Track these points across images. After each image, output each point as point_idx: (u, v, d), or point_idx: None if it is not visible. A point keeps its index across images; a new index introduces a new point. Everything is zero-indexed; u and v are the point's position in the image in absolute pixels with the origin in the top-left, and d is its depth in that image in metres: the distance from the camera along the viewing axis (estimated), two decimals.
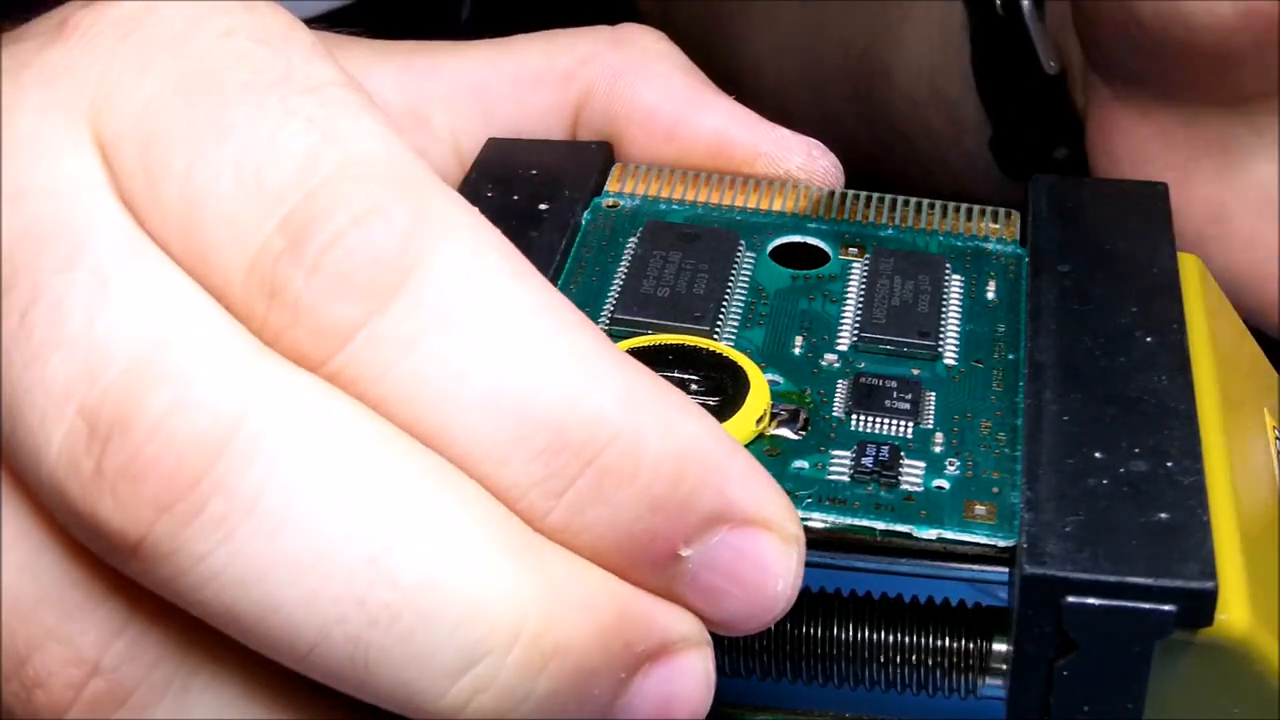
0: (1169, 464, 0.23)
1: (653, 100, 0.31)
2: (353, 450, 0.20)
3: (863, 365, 0.27)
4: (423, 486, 0.20)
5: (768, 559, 0.21)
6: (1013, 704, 0.23)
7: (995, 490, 0.24)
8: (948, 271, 0.28)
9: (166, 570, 0.19)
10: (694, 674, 0.21)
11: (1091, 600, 0.22)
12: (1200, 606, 0.21)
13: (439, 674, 0.19)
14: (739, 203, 0.30)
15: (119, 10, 0.22)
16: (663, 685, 0.21)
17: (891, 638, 0.26)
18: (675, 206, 0.30)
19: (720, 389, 0.25)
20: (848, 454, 0.25)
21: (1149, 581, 0.21)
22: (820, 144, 0.31)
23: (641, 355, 0.26)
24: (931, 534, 0.24)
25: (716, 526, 0.21)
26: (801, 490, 0.24)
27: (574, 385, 0.20)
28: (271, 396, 0.19)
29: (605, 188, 0.31)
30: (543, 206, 0.29)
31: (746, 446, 0.24)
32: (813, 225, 0.30)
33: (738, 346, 0.27)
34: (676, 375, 0.25)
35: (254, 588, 0.19)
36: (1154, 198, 0.28)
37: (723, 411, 0.25)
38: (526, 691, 0.20)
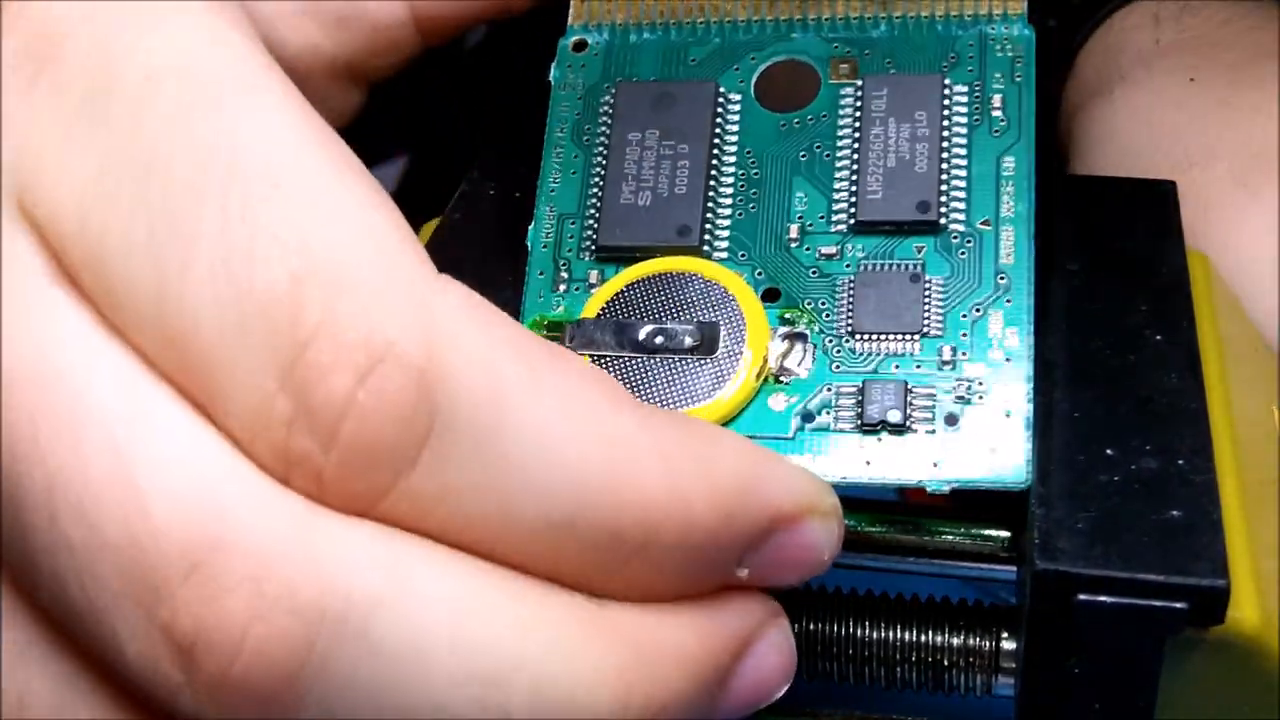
0: (1180, 462, 0.23)
1: None
2: (433, 599, 0.19)
3: (860, 250, 0.26)
4: (503, 611, 0.20)
5: (814, 541, 0.22)
6: (1023, 702, 0.23)
7: (1008, 414, 0.24)
8: (946, 92, 0.27)
9: None
10: (777, 648, 0.22)
11: (1103, 597, 0.22)
12: (1212, 604, 0.21)
13: None
14: (714, 14, 0.29)
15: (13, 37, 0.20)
16: (754, 673, 0.22)
17: (902, 636, 0.26)
18: (647, 36, 0.29)
19: (715, 340, 0.25)
20: (854, 389, 0.24)
21: (1161, 579, 0.21)
22: None
23: (631, 295, 0.26)
24: (945, 489, 0.24)
25: (767, 537, 0.21)
26: (812, 452, 0.24)
27: (617, 482, 0.20)
28: (341, 566, 0.19)
29: (569, 21, 0.29)
30: None
31: (750, 401, 0.25)
32: (797, 36, 0.28)
33: (731, 250, 0.26)
34: (670, 327, 0.25)
35: None
36: (1163, 196, 0.28)
37: (722, 371, 0.25)
38: None
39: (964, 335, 0.25)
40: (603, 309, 0.26)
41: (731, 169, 0.27)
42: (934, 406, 0.24)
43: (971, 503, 0.26)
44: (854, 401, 0.24)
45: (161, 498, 0.19)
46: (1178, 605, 0.21)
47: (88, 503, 0.19)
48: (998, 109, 0.27)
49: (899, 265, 0.25)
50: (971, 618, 0.25)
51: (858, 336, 0.25)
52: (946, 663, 0.25)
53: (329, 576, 0.19)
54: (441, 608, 0.19)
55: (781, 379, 0.25)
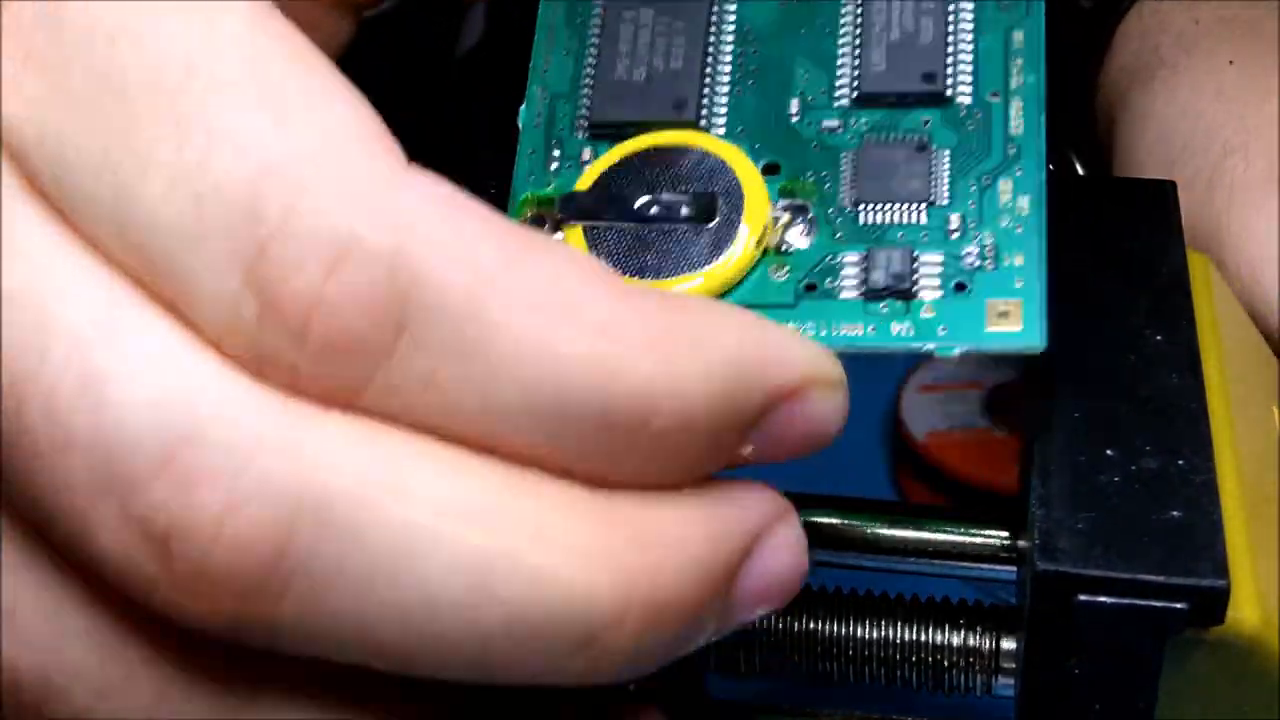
0: (1180, 462, 0.23)
1: None
2: (419, 488, 0.19)
3: (864, 123, 0.25)
4: (491, 501, 0.19)
5: (819, 413, 0.21)
6: (1023, 702, 0.23)
7: (1019, 283, 0.23)
8: None
9: (258, 640, 0.19)
10: (789, 546, 0.21)
11: (1104, 598, 0.22)
12: (1213, 604, 0.21)
13: (564, 665, 0.19)
14: None
15: None
16: (763, 572, 0.21)
17: (902, 636, 0.26)
18: None
19: (712, 208, 0.24)
20: (858, 258, 0.24)
21: (1161, 579, 0.21)
22: None
23: (626, 170, 0.25)
24: (955, 351, 0.23)
25: (770, 413, 0.20)
26: (815, 319, 0.23)
27: (603, 363, 0.19)
28: (320, 457, 0.19)
29: None
30: None
31: (750, 270, 0.24)
32: None
33: (729, 126, 0.26)
34: (665, 199, 0.24)
35: (356, 641, 0.19)
36: (1164, 196, 0.28)
37: (720, 238, 0.24)
38: (648, 642, 0.20)
39: (972, 204, 0.24)
40: (596, 183, 0.25)
41: (730, 44, 0.26)
42: (941, 273, 0.23)
43: (971, 501, 0.26)
44: (858, 269, 0.24)
45: (131, 394, 0.18)
46: (1178, 606, 0.21)
47: (55, 404, 0.18)
48: None
49: (905, 136, 0.25)
50: (971, 618, 0.25)
51: (862, 206, 0.24)
52: (947, 663, 0.25)
53: (308, 467, 0.18)
54: (428, 497, 0.19)
55: (783, 249, 0.24)
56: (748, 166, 0.25)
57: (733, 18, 0.27)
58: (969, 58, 0.25)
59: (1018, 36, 0.25)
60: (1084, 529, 0.22)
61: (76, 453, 0.18)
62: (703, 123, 0.26)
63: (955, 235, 0.24)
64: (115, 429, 0.18)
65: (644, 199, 0.24)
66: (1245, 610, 0.22)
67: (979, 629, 0.25)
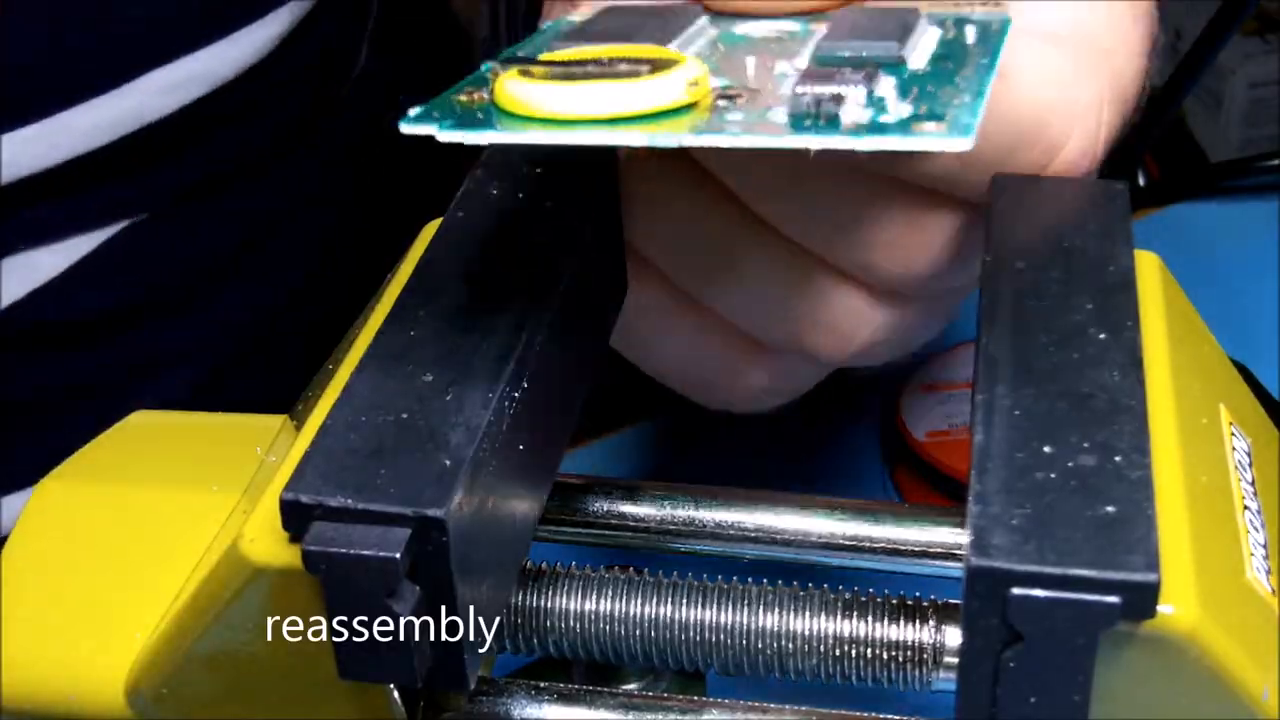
0: (1117, 458, 0.23)
1: None
2: None
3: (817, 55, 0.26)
4: None
5: None
6: (962, 696, 0.23)
7: (956, 101, 0.23)
8: (923, 20, 0.28)
9: None
10: None
11: (1037, 592, 0.22)
12: (1143, 598, 0.22)
13: None
14: None
15: None
16: None
17: (847, 630, 0.26)
18: None
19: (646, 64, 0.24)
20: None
21: (1093, 573, 0.22)
22: None
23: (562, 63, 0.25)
24: (868, 142, 0.23)
25: None
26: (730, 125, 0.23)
27: None
28: None
29: None
30: None
31: (676, 111, 0.24)
32: None
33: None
34: (594, 65, 0.24)
35: None
36: (1113, 196, 0.28)
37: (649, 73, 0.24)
38: None
39: (913, 89, 0.24)
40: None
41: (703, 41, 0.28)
42: (871, 106, 0.23)
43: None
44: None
45: None
46: (1110, 599, 0.22)
47: None
48: (971, 39, 0.27)
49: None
50: (913, 613, 0.26)
51: (802, 87, 0.24)
52: (886, 657, 0.25)
53: None
54: None
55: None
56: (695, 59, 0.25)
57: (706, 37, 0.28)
58: (928, 49, 0.26)
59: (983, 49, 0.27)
60: (1018, 524, 0.22)
61: None
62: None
63: (893, 94, 0.24)
64: None
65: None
66: (1181, 606, 0.22)
67: (922, 623, 0.26)
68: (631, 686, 0.32)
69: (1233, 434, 0.27)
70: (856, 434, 0.54)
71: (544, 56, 0.25)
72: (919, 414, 0.51)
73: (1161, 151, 0.69)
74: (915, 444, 0.51)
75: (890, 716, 0.27)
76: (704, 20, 0.29)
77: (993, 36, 0.28)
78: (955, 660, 0.25)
